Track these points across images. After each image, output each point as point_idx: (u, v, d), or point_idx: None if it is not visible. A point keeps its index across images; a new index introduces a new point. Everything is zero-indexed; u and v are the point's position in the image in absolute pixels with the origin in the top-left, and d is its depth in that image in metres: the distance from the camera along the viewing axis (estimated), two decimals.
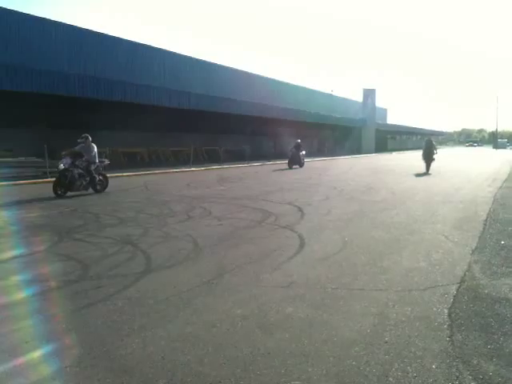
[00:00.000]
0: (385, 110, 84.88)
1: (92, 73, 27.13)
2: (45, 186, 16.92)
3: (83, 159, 14.10)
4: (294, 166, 29.04)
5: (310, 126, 47.80)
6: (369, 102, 60.63)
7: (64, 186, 13.50)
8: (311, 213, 10.36)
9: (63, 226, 8.70)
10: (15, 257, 6.50)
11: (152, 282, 5.31)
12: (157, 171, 23.88)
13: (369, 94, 60.95)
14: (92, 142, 14.52)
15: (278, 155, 39.78)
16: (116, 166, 24.67)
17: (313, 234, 7.96)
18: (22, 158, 19.68)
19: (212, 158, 35.39)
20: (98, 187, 14.64)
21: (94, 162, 14.40)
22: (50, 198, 12.93)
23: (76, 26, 30.08)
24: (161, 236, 7.86)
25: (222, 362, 3.38)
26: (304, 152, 30.61)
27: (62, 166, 13.58)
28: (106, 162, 15.61)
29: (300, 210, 10.68)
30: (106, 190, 14.82)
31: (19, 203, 12.11)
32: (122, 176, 21.53)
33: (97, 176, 14.51)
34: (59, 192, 13.37)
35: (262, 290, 4.99)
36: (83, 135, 14.46)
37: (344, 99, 68.83)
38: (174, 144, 33.98)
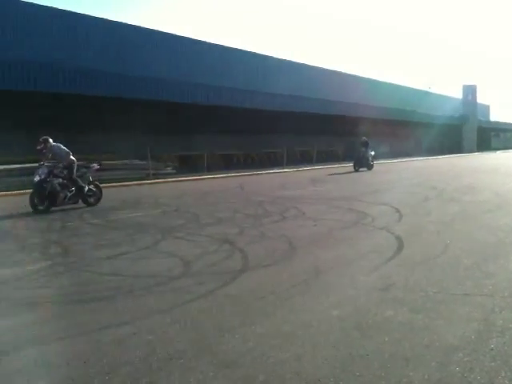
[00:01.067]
0: (487, 107, 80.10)
1: (189, 79, 28.16)
2: (148, 187, 17.89)
3: (60, 165, 11.63)
4: (361, 169, 25.56)
5: (406, 125, 46.27)
6: (469, 98, 57.63)
7: (44, 199, 11.08)
8: (409, 214, 10.07)
9: (165, 225, 9.16)
10: (122, 253, 6.93)
11: (250, 279, 5.44)
12: (251, 172, 24.36)
13: (469, 90, 57.96)
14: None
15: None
16: (213, 168, 25.50)
17: (412, 236, 7.74)
18: (127, 161, 20.89)
19: (305, 159, 35.40)
20: (91, 199, 12.14)
21: (71, 166, 11.72)
22: (152, 198, 13.62)
23: (175, 35, 31.49)
24: (256, 235, 8.02)
25: (321, 362, 3.40)
26: (373, 152, 27.07)
27: (37, 178, 11.20)
28: (95, 166, 12.97)
29: (397, 211, 10.40)
30: (206, 189, 15.11)
31: (125, 203, 12.88)
32: (219, 178, 22.19)
33: (85, 185, 11.96)
34: (39, 207, 10.96)
35: (359, 292, 4.94)
36: (41, 139, 11.51)
37: (440, 96, 65.74)
38: (267, 146, 34.43)
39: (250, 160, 33.65)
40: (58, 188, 11.30)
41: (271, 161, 33.40)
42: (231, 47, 35.65)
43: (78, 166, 12.08)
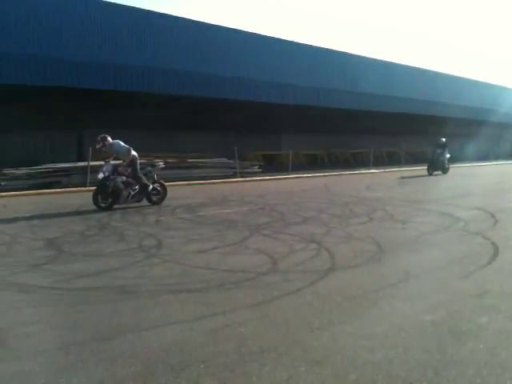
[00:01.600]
0: None
1: (277, 79, 28.39)
2: (234, 186, 18.29)
3: (124, 163, 11.57)
4: (436, 173, 23.78)
5: (481, 125, 43.14)
6: None
7: (108, 197, 11.13)
8: (506, 220, 9.57)
9: (253, 222, 9.34)
10: (213, 248, 7.17)
11: (338, 280, 5.45)
12: (336, 172, 24.14)
13: None
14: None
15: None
16: (298, 167, 25.57)
17: (508, 243, 7.36)
18: (215, 160, 21.47)
19: (392, 159, 34.58)
20: (155, 198, 11.98)
21: (133, 162, 11.51)
22: (239, 196, 13.91)
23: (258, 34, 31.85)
24: (343, 236, 7.98)
25: (413, 365, 3.35)
26: (448, 155, 24.83)
27: (101, 175, 11.17)
28: (160, 165, 13.20)
29: (492, 216, 9.92)
30: (291, 188, 15.18)
31: (213, 200, 13.27)
32: (303, 177, 22.22)
33: (149, 184, 11.80)
34: (102, 205, 11.07)
35: (452, 298, 4.80)
36: (99, 137, 11.45)
37: None
38: (352, 146, 34.01)
39: (334, 160, 33.42)
40: (122, 186, 11.22)
41: (357, 161, 32.96)
42: (317, 46, 35.49)
43: (143, 164, 12.06)
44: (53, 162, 17.29)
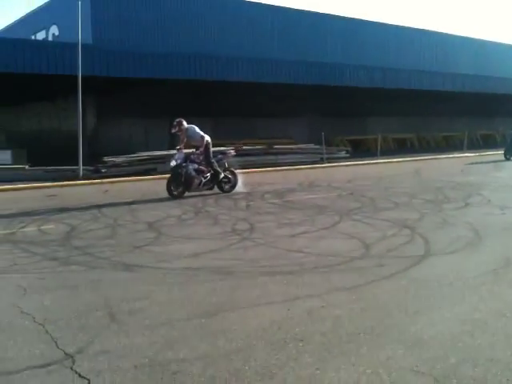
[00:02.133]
0: None
1: (364, 62, 27.78)
2: (321, 171, 18.24)
3: (197, 151, 11.47)
4: None
5: None
6: None
7: (180, 185, 11.13)
8: None
9: (342, 208, 9.32)
10: (303, 232, 7.26)
11: (433, 265, 5.35)
12: (427, 157, 23.32)
13: None
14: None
15: None
16: (386, 152, 25.01)
17: None
18: (302, 145, 21.49)
19: (488, 143, 32.76)
20: (226, 186, 11.84)
21: (207, 147, 11.35)
22: (326, 181, 13.88)
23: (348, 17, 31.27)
24: (438, 222, 7.77)
25: None
26: None
27: (173, 163, 11.16)
28: (231, 152, 12.98)
29: None
30: (380, 173, 14.88)
31: (301, 185, 13.35)
32: (393, 162, 21.71)
33: (221, 171, 11.64)
34: (175, 193, 11.04)
35: None
36: (175, 121, 11.40)
37: None
38: (444, 129, 32.60)
39: (425, 144, 32.24)
40: (194, 173, 11.12)
41: (449, 145, 31.59)
42: (405, 26, 34.30)
43: (214, 152, 12.02)
44: (148, 151, 18.14)
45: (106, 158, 16.54)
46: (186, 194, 11.19)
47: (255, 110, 24.13)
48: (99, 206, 10.00)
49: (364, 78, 24.34)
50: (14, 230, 7.74)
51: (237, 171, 12.27)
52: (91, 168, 16.19)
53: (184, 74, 19.45)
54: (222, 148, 13.66)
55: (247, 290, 4.66)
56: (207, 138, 11.47)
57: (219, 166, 11.63)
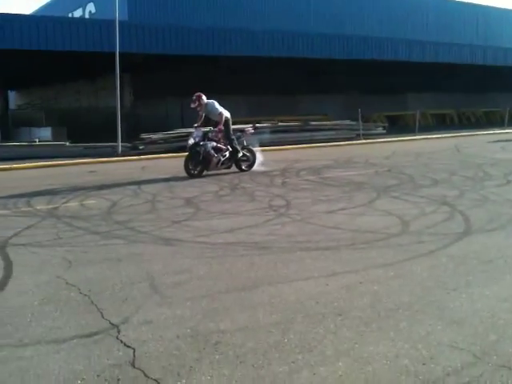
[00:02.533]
0: None
1: (403, 35, 27.09)
2: (357, 148, 18.03)
3: (215, 129, 11.12)
4: None
5: None
6: None
7: (198, 164, 10.90)
8: None
9: (380, 184, 9.24)
10: (340, 209, 7.25)
11: (473, 243, 5.28)
12: (466, 133, 22.76)
13: None
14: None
15: None
16: (425, 128, 24.50)
17: None
18: (338, 122, 21.24)
19: None
20: (244, 165, 11.56)
21: (227, 123, 11.06)
22: (363, 158, 13.73)
23: None
24: (478, 199, 7.63)
25: None
26: None
27: (191, 141, 10.92)
28: (250, 130, 12.15)
29: None
30: (418, 149, 14.61)
31: (337, 162, 13.26)
32: (431, 138, 21.29)
33: (239, 149, 11.30)
34: (193, 172, 10.83)
35: None
36: (194, 96, 11.11)
37: None
38: (484, 104, 31.61)
39: (465, 120, 31.40)
40: (212, 152, 10.80)
41: (490, 121, 30.66)
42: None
43: (233, 130, 11.59)
44: (184, 127, 18.27)
45: (143, 135, 16.76)
46: (224, 170, 11.25)
47: (291, 87, 23.94)
48: (138, 183, 10.20)
49: (402, 52, 23.75)
50: (57, 205, 7.97)
51: (256, 149, 12.14)
52: (129, 145, 16.46)
53: (219, 51, 19.41)
54: (242, 126, 13.45)
55: (285, 264, 4.71)
56: (226, 114, 11.13)
57: (238, 144, 11.31)
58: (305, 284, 4.19)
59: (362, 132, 20.51)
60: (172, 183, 10.15)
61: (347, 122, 21.25)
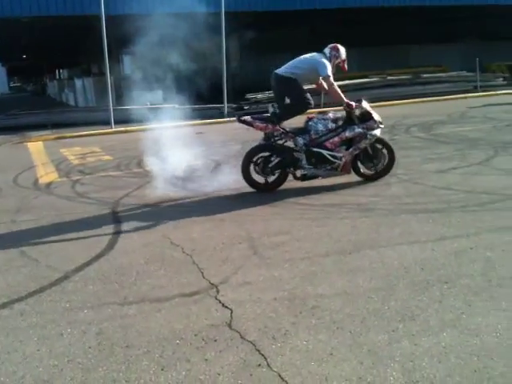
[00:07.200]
0: None
1: None
2: (475, 101, 16.72)
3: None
4: None
5: None
6: None
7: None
8: None
9: (498, 140, 8.50)
10: (453, 168, 6.77)
11: None
12: None
13: None
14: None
15: None
16: None
17: None
18: (453, 73, 19.79)
19: None
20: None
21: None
22: (481, 112, 12.72)
23: None
24: None
25: None
26: None
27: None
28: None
29: None
30: None
31: (450, 117, 12.40)
32: None
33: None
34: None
35: None
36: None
37: None
38: None
39: None
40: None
41: None
42: None
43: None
44: None
45: (248, 95, 16.81)
46: None
47: (402, 37, 22.56)
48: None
49: None
50: None
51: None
52: (234, 105, 16.61)
53: (326, 4, 18.69)
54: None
55: (388, 228, 4.50)
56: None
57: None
58: (409, 249, 3.98)
59: (479, 84, 18.94)
60: None
61: (464, 73, 19.71)
